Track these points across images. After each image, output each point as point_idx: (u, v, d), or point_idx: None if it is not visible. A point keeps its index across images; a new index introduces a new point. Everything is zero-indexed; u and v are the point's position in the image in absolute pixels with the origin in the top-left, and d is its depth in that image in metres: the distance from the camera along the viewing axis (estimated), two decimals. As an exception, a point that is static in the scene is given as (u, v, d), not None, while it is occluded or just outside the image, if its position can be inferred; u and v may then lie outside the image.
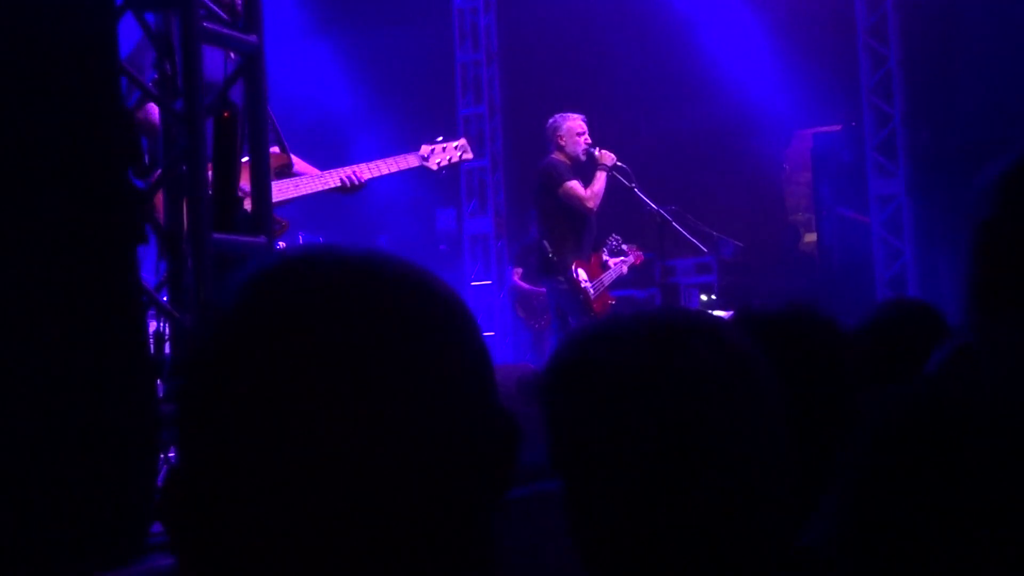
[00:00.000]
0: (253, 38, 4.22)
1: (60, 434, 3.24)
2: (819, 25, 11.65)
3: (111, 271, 3.50)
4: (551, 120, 8.46)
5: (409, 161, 6.10)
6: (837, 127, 11.95)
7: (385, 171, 5.93)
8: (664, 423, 1.43)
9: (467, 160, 6.46)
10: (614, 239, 8.68)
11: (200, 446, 0.89)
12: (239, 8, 4.33)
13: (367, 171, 5.77)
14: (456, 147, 6.35)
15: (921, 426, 1.13)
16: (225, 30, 4.22)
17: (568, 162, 8.31)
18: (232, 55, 4.56)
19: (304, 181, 5.54)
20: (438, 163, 6.26)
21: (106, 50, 3.56)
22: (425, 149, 6.25)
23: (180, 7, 3.98)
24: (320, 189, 5.59)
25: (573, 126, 8.38)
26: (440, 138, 6.47)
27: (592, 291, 8.19)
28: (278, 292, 0.91)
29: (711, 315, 1.67)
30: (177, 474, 0.90)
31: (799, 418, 1.96)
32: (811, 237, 12.51)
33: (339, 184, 5.62)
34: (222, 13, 4.31)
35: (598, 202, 8.21)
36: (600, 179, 8.22)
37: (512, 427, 0.95)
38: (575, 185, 8.16)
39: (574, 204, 8.16)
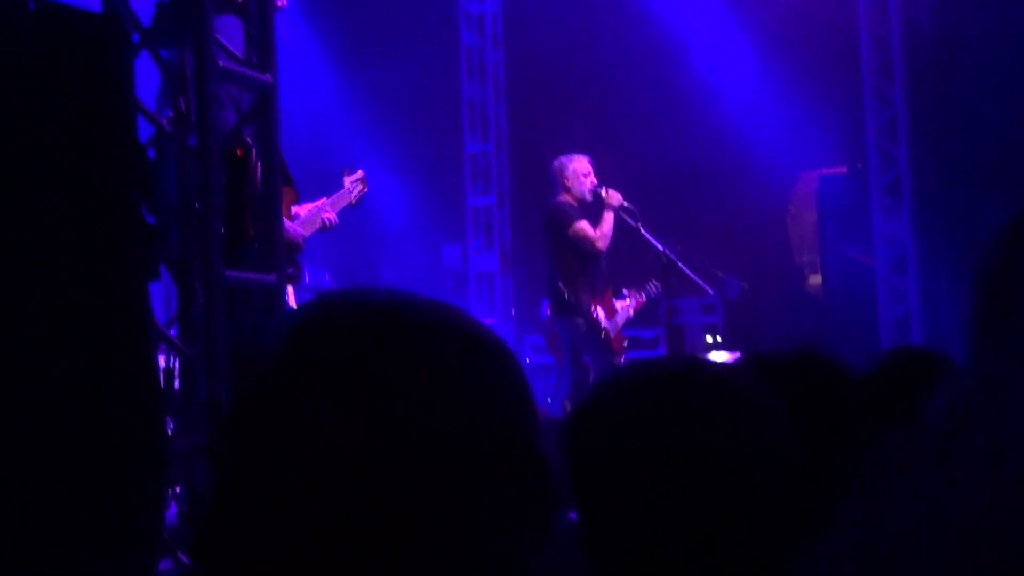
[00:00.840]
0: (267, 77, 4.25)
1: (71, 468, 3.25)
2: (826, 67, 11.69)
3: (122, 306, 3.52)
4: (556, 161, 8.50)
5: (344, 198, 6.18)
6: (843, 169, 11.98)
7: (340, 208, 6.07)
8: (670, 455, 1.48)
9: (365, 193, 6.45)
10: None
11: (242, 484, 0.90)
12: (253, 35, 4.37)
13: (331, 209, 5.94)
14: (358, 180, 6.39)
15: None
16: (240, 68, 4.25)
17: (575, 203, 8.35)
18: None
19: (302, 224, 5.70)
20: (355, 196, 6.33)
21: (122, 87, 3.59)
22: (347, 181, 6.31)
23: (195, 46, 4.02)
24: (311, 233, 5.77)
25: (579, 167, 8.42)
26: (346, 169, 6.46)
27: (612, 330, 8.24)
28: (323, 338, 0.92)
29: (718, 362, 1.72)
30: (212, 512, 0.91)
31: (805, 461, 1.98)
32: (816, 278, 12.52)
33: (320, 226, 5.81)
34: (236, 51, 4.35)
35: (607, 242, 8.26)
36: (608, 219, 8.26)
37: (547, 468, 0.96)
38: (584, 226, 8.21)
39: (584, 245, 8.20)
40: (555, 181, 8.48)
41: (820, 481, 1.90)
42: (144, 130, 4.11)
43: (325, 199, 6.01)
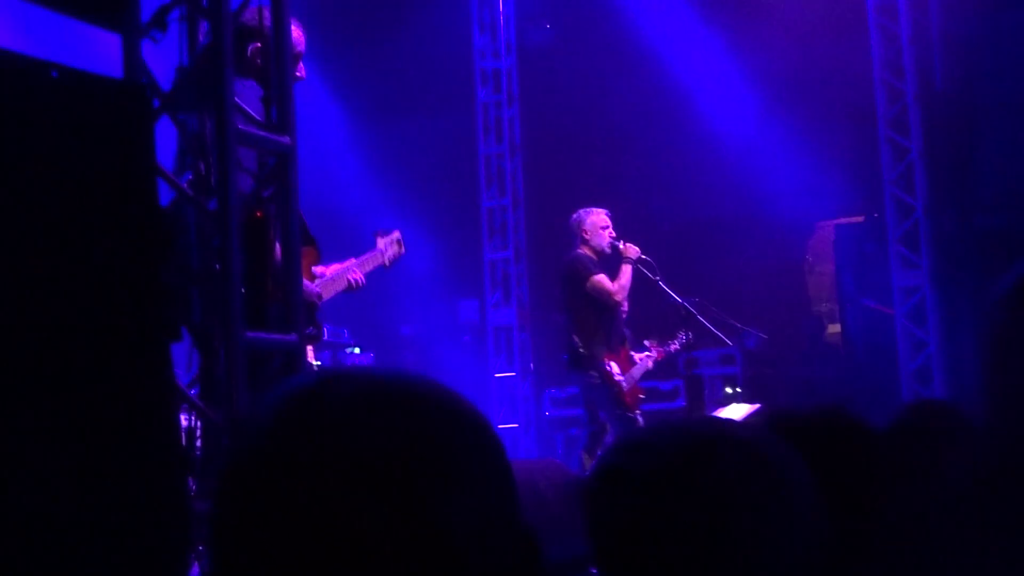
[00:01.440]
0: (286, 139, 4.30)
1: (94, 530, 3.26)
2: (841, 117, 11.75)
3: (144, 367, 3.54)
4: (575, 215, 8.55)
5: (376, 259, 6.06)
6: (859, 218, 11.99)
7: (369, 269, 5.96)
8: (694, 531, 1.47)
9: (402, 255, 6.31)
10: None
11: (231, 555, 0.93)
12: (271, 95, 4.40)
13: (359, 270, 5.83)
14: (393, 241, 6.27)
15: None
16: (259, 132, 4.30)
17: (594, 256, 8.39)
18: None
19: (324, 284, 5.62)
20: (390, 258, 6.20)
21: (143, 152, 3.63)
22: (381, 243, 6.19)
23: (215, 109, 4.07)
24: (336, 292, 5.68)
25: (597, 220, 8.47)
26: (379, 231, 6.35)
27: (625, 384, 8.22)
28: (310, 414, 0.94)
29: (743, 424, 1.71)
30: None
31: (830, 519, 1.97)
32: (835, 328, 12.50)
33: (346, 286, 5.71)
34: (255, 115, 4.40)
35: (625, 295, 8.29)
36: (626, 272, 8.29)
37: (533, 546, 0.98)
38: (602, 279, 8.24)
39: (602, 297, 8.22)
40: (573, 234, 8.52)
41: (845, 544, 1.90)
42: (164, 193, 4.16)
43: (353, 260, 5.92)
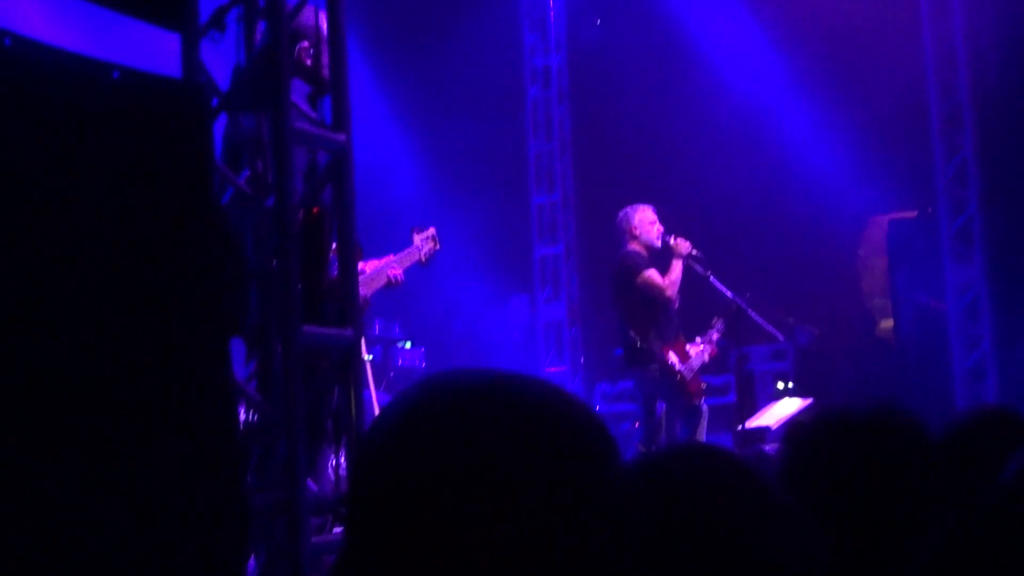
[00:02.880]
0: (342, 137, 4.34)
1: (152, 523, 3.32)
2: (894, 112, 11.66)
3: (203, 363, 3.59)
4: (621, 213, 8.55)
5: (413, 255, 6.10)
6: (913, 213, 11.91)
7: (407, 265, 6.01)
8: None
9: (437, 251, 6.34)
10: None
11: (367, 538, 0.99)
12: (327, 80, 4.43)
13: (398, 266, 5.87)
14: (428, 237, 6.29)
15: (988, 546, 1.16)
16: (315, 130, 4.35)
17: (645, 252, 8.38)
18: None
19: (364, 281, 5.67)
20: (426, 254, 6.23)
21: (202, 151, 3.69)
22: (418, 239, 6.22)
23: (272, 108, 4.12)
24: (375, 289, 5.73)
25: (644, 216, 8.47)
26: (415, 227, 6.36)
27: (687, 374, 8.23)
28: (436, 414, 1.00)
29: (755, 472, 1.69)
30: (345, 561, 1.00)
31: (879, 520, 1.97)
32: (888, 323, 12.41)
33: (386, 282, 5.75)
34: (311, 112, 4.45)
35: (676, 290, 8.27)
36: (676, 267, 8.28)
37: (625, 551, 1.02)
38: (653, 274, 8.23)
39: (653, 293, 8.21)
40: (622, 232, 8.50)
41: (892, 544, 1.90)
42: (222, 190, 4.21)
43: (392, 256, 5.97)
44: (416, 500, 0.96)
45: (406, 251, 6.07)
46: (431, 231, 6.24)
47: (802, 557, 1.49)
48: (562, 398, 1.03)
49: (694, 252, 8.43)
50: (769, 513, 1.48)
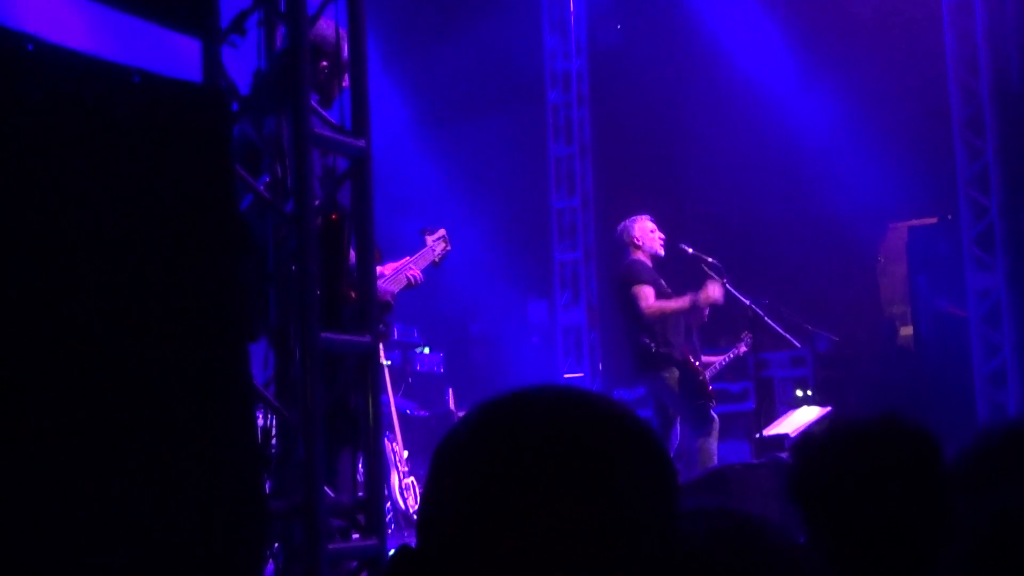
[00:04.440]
0: (361, 142, 4.34)
1: (172, 526, 3.32)
2: (914, 117, 11.62)
3: (222, 367, 3.60)
4: (620, 226, 8.60)
5: (428, 256, 6.17)
6: (933, 219, 11.86)
7: (424, 265, 6.06)
8: None
9: (448, 251, 6.40)
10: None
11: (439, 536, 1.05)
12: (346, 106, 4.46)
13: (415, 267, 5.92)
14: (440, 238, 6.34)
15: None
16: (334, 135, 4.35)
17: (649, 261, 8.40)
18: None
19: (386, 283, 5.70)
20: (439, 255, 6.29)
21: (222, 155, 3.70)
22: (430, 240, 6.28)
23: (292, 112, 4.12)
24: (397, 290, 5.77)
25: (644, 226, 8.52)
26: (426, 229, 6.40)
27: (707, 374, 8.25)
28: (508, 428, 1.07)
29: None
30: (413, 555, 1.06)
31: (887, 533, 1.96)
32: (907, 330, 12.37)
33: (406, 283, 5.80)
34: (330, 117, 4.45)
35: (656, 318, 8.21)
36: (682, 306, 8.23)
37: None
38: (646, 292, 8.21)
39: (635, 304, 8.20)
40: (625, 243, 8.53)
41: (908, 553, 1.89)
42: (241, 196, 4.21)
43: (408, 258, 6.03)
44: (491, 521, 1.01)
45: (420, 253, 6.14)
46: (442, 232, 6.30)
47: None
48: (624, 411, 1.09)
49: (709, 260, 8.44)
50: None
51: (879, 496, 1.99)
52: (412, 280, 5.85)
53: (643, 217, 8.57)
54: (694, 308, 8.29)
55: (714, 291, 8.25)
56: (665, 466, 1.08)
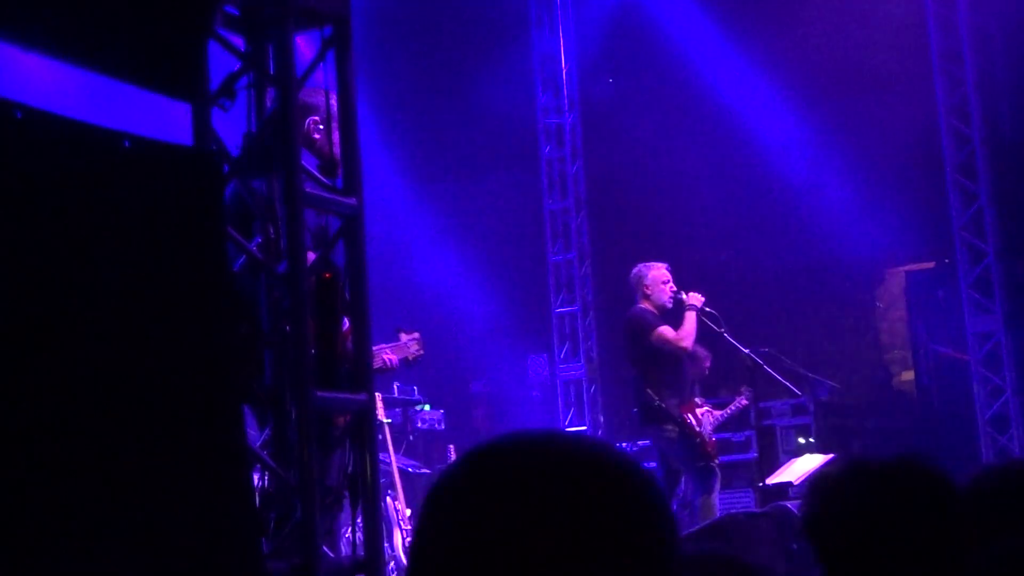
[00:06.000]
0: (353, 201, 4.35)
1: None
2: (908, 162, 11.66)
3: (218, 429, 3.59)
4: (635, 270, 8.53)
5: (402, 350, 6.06)
6: (930, 264, 11.88)
7: (400, 355, 5.97)
8: None
9: (420, 356, 6.32)
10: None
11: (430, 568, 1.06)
12: (336, 158, 4.46)
13: (391, 352, 5.84)
14: (414, 339, 6.24)
15: None
16: (326, 194, 4.36)
17: (655, 311, 8.36)
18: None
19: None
20: (412, 355, 6.17)
21: (214, 218, 3.70)
22: (405, 338, 6.18)
23: (284, 173, 4.13)
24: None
25: (658, 275, 8.44)
26: (401, 328, 6.32)
27: (706, 435, 8.19)
28: (490, 473, 1.08)
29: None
30: None
31: (908, 569, 1.95)
32: (908, 375, 12.35)
33: (380, 365, 5.69)
34: (323, 178, 4.47)
35: (692, 341, 8.24)
36: (690, 319, 8.25)
37: None
38: (666, 330, 8.21)
39: (669, 348, 8.18)
40: (634, 289, 8.50)
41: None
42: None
43: (385, 344, 5.91)
44: (481, 556, 1.02)
45: (395, 344, 6.02)
46: (416, 335, 6.18)
47: None
48: (619, 457, 1.09)
49: (707, 309, 8.40)
50: None
51: (895, 535, 2.00)
52: (387, 364, 5.76)
53: (660, 265, 8.51)
54: (694, 354, 8.30)
55: (695, 296, 8.32)
56: (661, 513, 1.09)
